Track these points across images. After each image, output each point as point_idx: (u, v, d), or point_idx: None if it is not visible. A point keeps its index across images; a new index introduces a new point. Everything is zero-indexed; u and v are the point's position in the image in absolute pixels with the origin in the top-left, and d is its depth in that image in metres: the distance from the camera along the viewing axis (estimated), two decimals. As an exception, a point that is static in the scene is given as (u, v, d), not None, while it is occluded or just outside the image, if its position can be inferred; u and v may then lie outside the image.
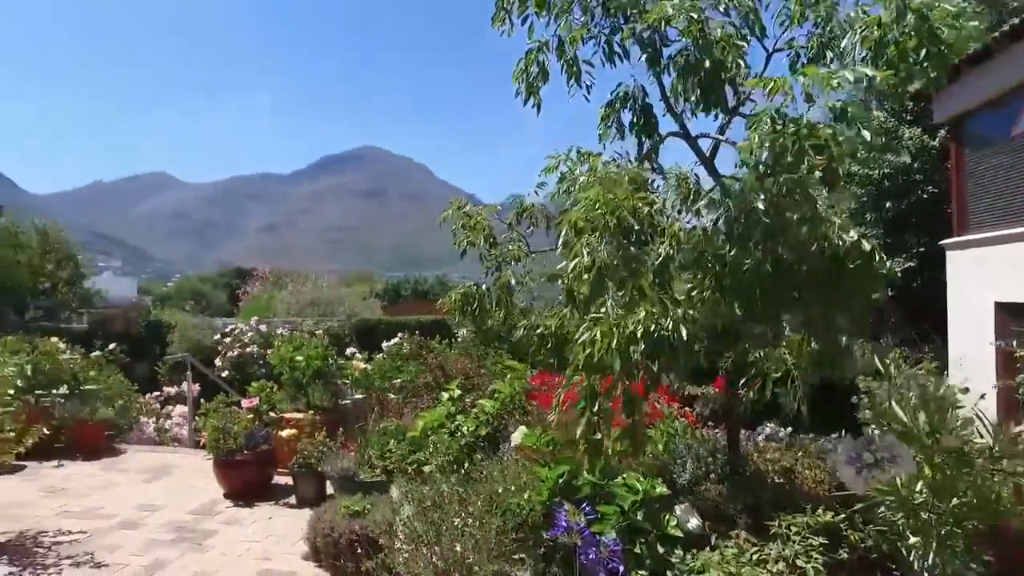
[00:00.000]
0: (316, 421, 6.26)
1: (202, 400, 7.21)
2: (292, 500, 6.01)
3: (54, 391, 8.20)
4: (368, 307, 18.71)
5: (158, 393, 10.05)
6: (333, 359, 7.13)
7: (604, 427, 2.18)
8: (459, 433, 4.87)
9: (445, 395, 5.39)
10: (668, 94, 3.17)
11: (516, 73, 3.40)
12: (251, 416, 6.31)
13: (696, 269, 2.52)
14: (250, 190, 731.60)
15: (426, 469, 4.51)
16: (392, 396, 7.06)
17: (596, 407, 2.17)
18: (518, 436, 3.57)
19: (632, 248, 2.26)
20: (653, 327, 2.07)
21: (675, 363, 2.14)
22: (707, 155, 3.24)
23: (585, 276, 2.22)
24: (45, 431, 7.04)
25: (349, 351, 9.53)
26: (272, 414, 6.52)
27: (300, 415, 6.45)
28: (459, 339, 12.22)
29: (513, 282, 3.94)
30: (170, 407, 10.29)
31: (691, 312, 2.19)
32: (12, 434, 7.32)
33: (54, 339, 8.42)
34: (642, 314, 2.10)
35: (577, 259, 2.27)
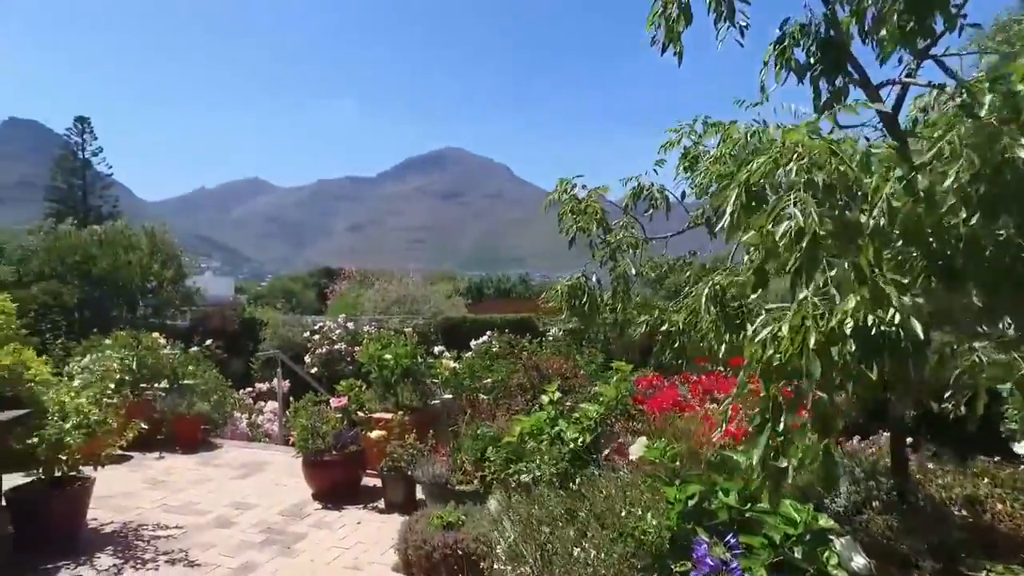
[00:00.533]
0: (405, 422, 6.00)
1: (291, 398, 7.13)
2: (381, 504, 5.77)
3: (156, 385, 8.38)
4: (452, 305, 18.62)
5: (250, 389, 10.17)
6: (422, 357, 6.87)
7: (789, 450, 1.69)
8: (561, 440, 4.46)
9: (544, 398, 4.98)
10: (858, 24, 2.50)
11: (651, 16, 2.88)
12: (339, 416, 6.12)
13: (910, 244, 1.96)
14: (338, 192, 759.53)
15: (524, 478, 4.12)
16: (483, 397, 6.73)
17: (780, 425, 1.69)
18: (638, 448, 3.10)
19: (846, 212, 1.74)
20: (871, 319, 1.57)
21: (901, 369, 1.61)
22: (890, 109, 2.63)
23: (791, 249, 1.67)
24: (143, 425, 7.16)
25: (437, 349, 9.29)
26: (361, 414, 6.31)
27: (389, 415, 6.21)
28: (550, 337, 11.82)
29: (632, 271, 3.47)
30: (262, 403, 10.40)
31: (919, 300, 1.65)
32: (115, 425, 7.51)
33: (155, 335, 8.61)
34: (852, 303, 1.59)
35: (788, 223, 1.74)
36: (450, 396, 6.93)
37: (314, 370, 15.08)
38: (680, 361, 3.06)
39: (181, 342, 10.27)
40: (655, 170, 3.48)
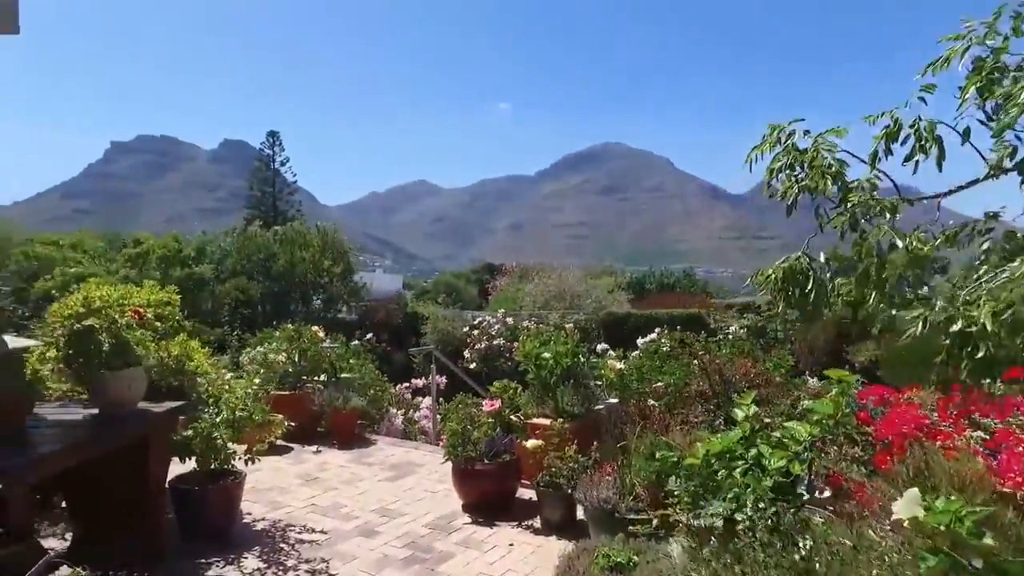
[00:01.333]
0: (565, 430, 5.24)
1: (441, 400, 6.66)
2: (536, 523, 5.07)
3: (316, 378, 8.38)
4: (615, 300, 17.67)
5: (407, 384, 10.01)
6: (584, 356, 6.08)
7: None
8: (761, 469, 3.43)
9: (738, 412, 3.97)
10: None
11: None
12: (492, 420, 5.49)
13: None
14: (498, 192, 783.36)
15: (717, 522, 3.16)
16: (652, 403, 5.79)
17: None
18: (908, 505, 2.05)
19: None
20: None
21: None
22: None
23: None
24: (289, 423, 7.11)
25: (600, 347, 8.44)
26: (515, 419, 5.65)
27: (547, 421, 5.49)
28: (729, 335, 10.54)
29: (898, 242, 2.40)
30: (419, 398, 10.20)
31: None
32: (279, 417, 7.52)
33: (315, 328, 8.63)
34: None
35: None
36: (615, 401, 6.07)
37: (473, 366, 14.89)
38: (990, 378, 2.00)
39: (343, 335, 10.37)
40: (921, 99, 2.38)
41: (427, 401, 10.05)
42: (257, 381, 7.82)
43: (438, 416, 7.75)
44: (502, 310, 15.53)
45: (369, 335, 10.70)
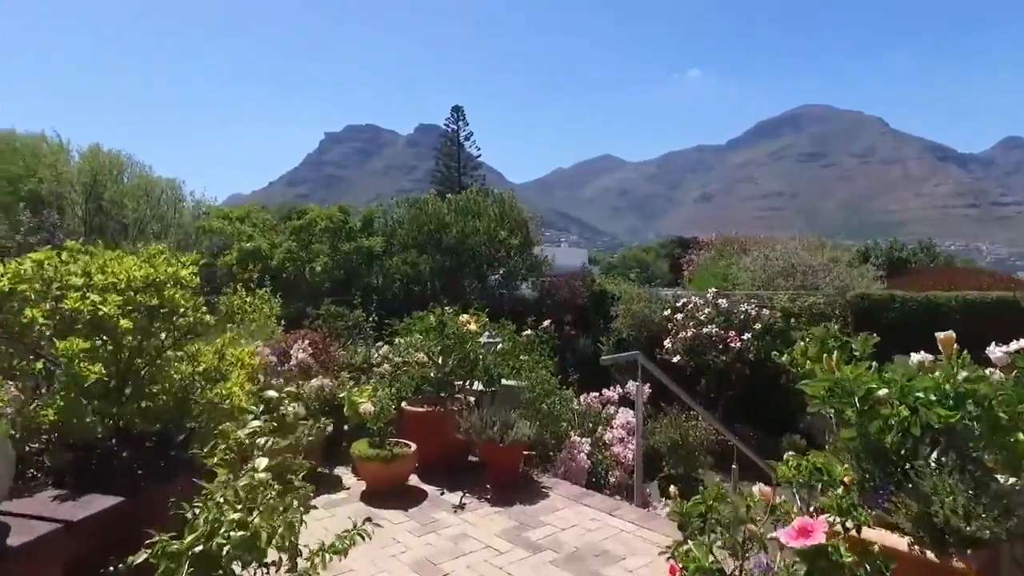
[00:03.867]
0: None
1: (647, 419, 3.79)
2: None
3: (467, 385, 5.96)
4: (860, 277, 13.42)
5: (597, 394, 7.25)
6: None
7: None
8: None
9: None
10: None
11: None
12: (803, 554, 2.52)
13: None
14: (686, 164, 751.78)
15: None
16: None
17: None
18: None
19: None
20: None
21: None
22: None
23: None
24: (429, 448, 4.73)
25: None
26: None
27: (902, 546, 2.43)
28: None
29: None
30: (611, 409, 7.41)
31: None
32: (409, 450, 5.17)
33: (463, 317, 6.17)
34: None
35: None
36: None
37: (676, 359, 11.79)
38: None
39: (511, 320, 7.92)
40: None
41: (621, 415, 7.25)
42: (385, 390, 5.55)
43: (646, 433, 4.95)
44: (713, 289, 12.20)
45: (547, 322, 8.12)
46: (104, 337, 2.63)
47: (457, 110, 55.39)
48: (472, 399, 5.84)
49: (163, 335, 2.78)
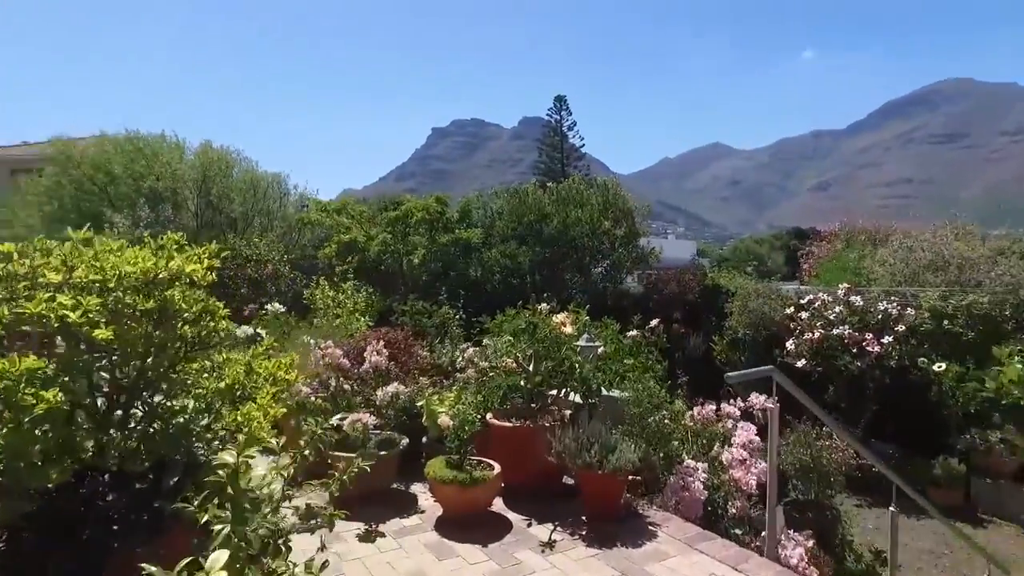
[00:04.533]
0: None
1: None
2: None
3: (563, 395, 5.18)
4: (1030, 271, 11.32)
5: (714, 406, 6.22)
6: None
7: None
8: None
9: None
10: None
11: None
12: None
13: None
14: (801, 150, 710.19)
15: None
16: None
17: None
18: None
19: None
20: None
21: None
22: None
23: None
24: (516, 470, 4.00)
25: None
26: None
27: None
28: None
29: None
30: (729, 424, 6.36)
31: None
32: (493, 472, 4.49)
33: (558, 318, 5.37)
34: None
35: None
36: None
37: (800, 363, 10.43)
38: None
39: (614, 318, 7.05)
40: None
41: (742, 432, 6.19)
42: (468, 400, 4.88)
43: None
44: (844, 284, 10.71)
45: (655, 321, 7.19)
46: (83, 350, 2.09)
47: (560, 99, 54.40)
48: (567, 412, 5.06)
49: (168, 347, 2.21)
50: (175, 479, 2.10)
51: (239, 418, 2.22)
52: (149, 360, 2.23)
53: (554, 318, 5.19)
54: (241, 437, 2.22)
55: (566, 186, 17.64)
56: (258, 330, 7.76)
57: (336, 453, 4.44)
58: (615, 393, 5.30)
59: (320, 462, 4.69)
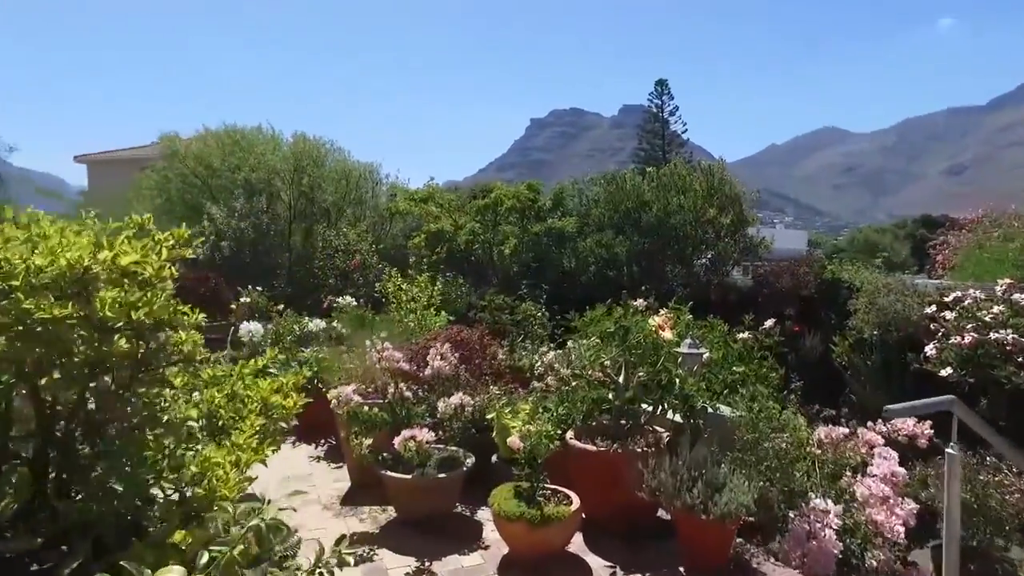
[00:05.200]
0: None
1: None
2: None
3: (659, 410, 4.33)
4: None
5: (845, 430, 5.13)
6: None
7: None
8: None
9: None
10: None
11: None
12: None
13: None
14: (930, 130, 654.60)
15: None
16: None
17: None
18: None
19: None
20: None
21: None
22: None
23: None
24: (600, 503, 3.20)
25: None
26: None
27: None
28: None
29: None
30: (863, 449, 5.25)
31: None
32: (571, 508, 3.75)
33: (657, 319, 4.48)
34: None
35: None
36: None
37: (945, 371, 8.93)
38: None
39: (721, 318, 6.09)
40: None
41: (882, 462, 5.07)
42: (546, 415, 4.14)
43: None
44: (1006, 280, 9.08)
45: (769, 322, 6.19)
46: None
47: (661, 83, 52.20)
48: (664, 434, 4.22)
49: (111, 365, 1.62)
50: (77, 562, 1.50)
51: (194, 468, 1.60)
52: (91, 384, 1.66)
53: (651, 319, 4.33)
54: (200, 489, 1.57)
55: (667, 171, 16.47)
56: (334, 324, 7.38)
57: (388, 474, 3.83)
58: (724, 410, 4.39)
59: (371, 478, 4.09)
